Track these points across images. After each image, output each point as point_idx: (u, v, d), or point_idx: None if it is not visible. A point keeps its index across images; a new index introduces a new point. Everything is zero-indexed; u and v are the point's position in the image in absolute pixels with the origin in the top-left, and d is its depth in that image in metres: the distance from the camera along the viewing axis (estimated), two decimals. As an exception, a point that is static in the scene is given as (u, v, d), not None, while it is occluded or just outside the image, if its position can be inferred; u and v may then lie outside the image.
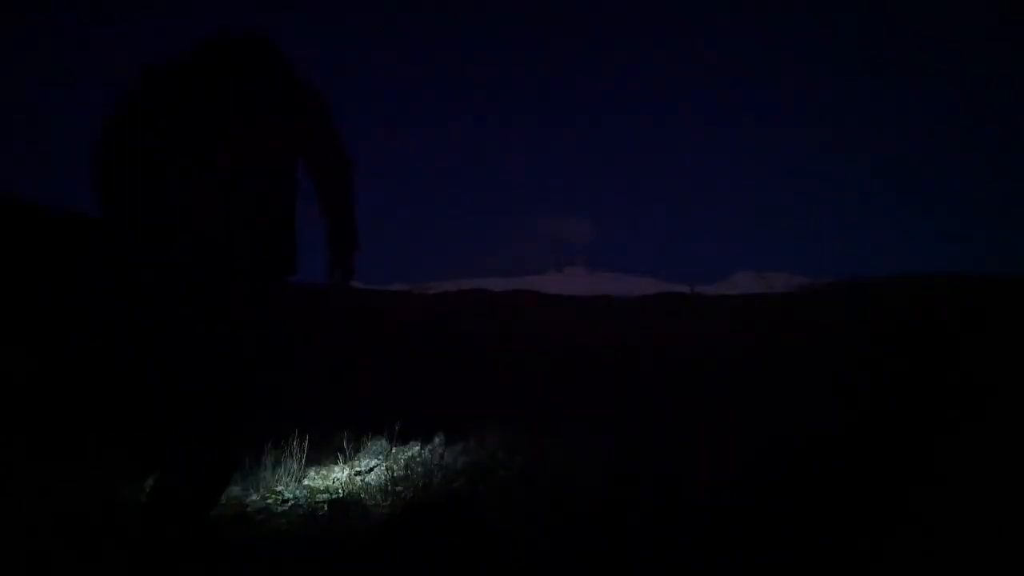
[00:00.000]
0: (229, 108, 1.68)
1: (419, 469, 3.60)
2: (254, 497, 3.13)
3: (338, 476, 3.61)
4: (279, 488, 3.25)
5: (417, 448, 3.99)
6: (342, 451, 3.89)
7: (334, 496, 3.23)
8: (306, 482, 3.39)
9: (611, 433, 4.50)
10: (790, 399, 5.47)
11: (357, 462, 3.80)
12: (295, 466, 3.42)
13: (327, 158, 1.82)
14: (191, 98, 1.65)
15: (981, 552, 2.14)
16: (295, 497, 3.15)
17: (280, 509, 3.01)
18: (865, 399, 5.11)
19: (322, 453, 3.88)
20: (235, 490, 3.31)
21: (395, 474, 3.54)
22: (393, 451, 3.95)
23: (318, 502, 3.11)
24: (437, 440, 4.12)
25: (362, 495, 3.25)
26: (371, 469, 3.70)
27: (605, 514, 2.76)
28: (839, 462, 3.48)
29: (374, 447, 3.97)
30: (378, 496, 3.20)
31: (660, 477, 3.38)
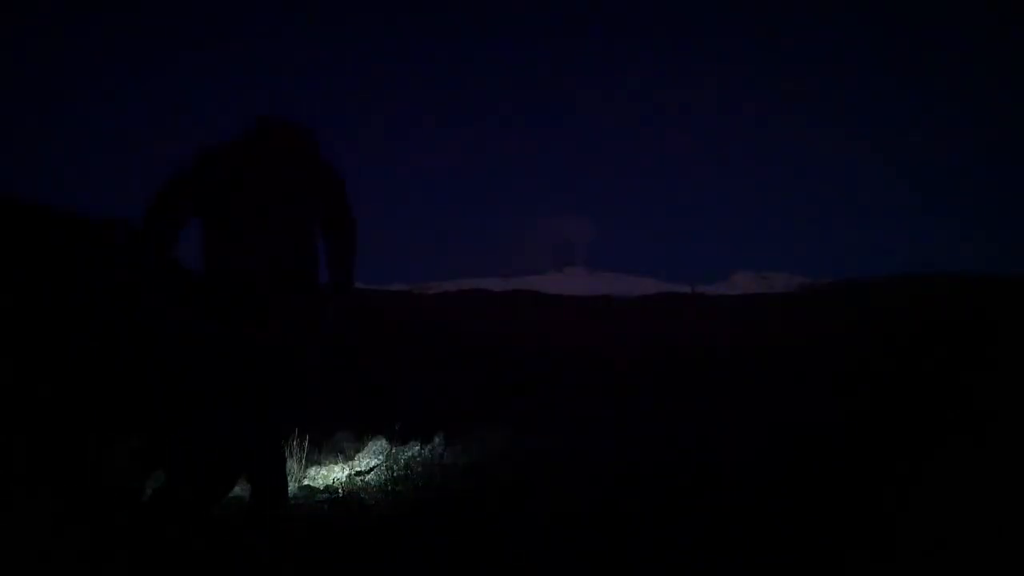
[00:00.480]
0: (284, 184, 2.22)
1: (419, 469, 3.59)
2: (254, 497, 3.13)
3: (338, 476, 3.61)
4: (279, 488, 3.25)
5: (417, 448, 3.98)
6: (342, 451, 3.89)
7: (334, 496, 3.23)
8: (306, 482, 3.39)
9: (611, 432, 4.50)
10: (790, 399, 5.47)
11: (357, 462, 3.80)
12: (295, 466, 3.42)
13: (340, 222, 2.40)
14: (251, 174, 2.20)
15: (980, 551, 2.14)
16: (295, 497, 3.15)
17: (280, 509, 3.01)
18: (865, 399, 5.10)
19: (322, 453, 3.87)
20: (235, 490, 3.31)
21: (395, 474, 3.54)
22: (393, 451, 3.94)
23: (318, 502, 3.11)
24: (437, 440, 4.11)
25: (362, 495, 3.25)
26: (371, 469, 3.69)
27: (605, 514, 2.76)
28: (839, 462, 3.48)
29: (374, 447, 3.97)
30: (378, 496, 3.20)
31: (660, 477, 3.38)
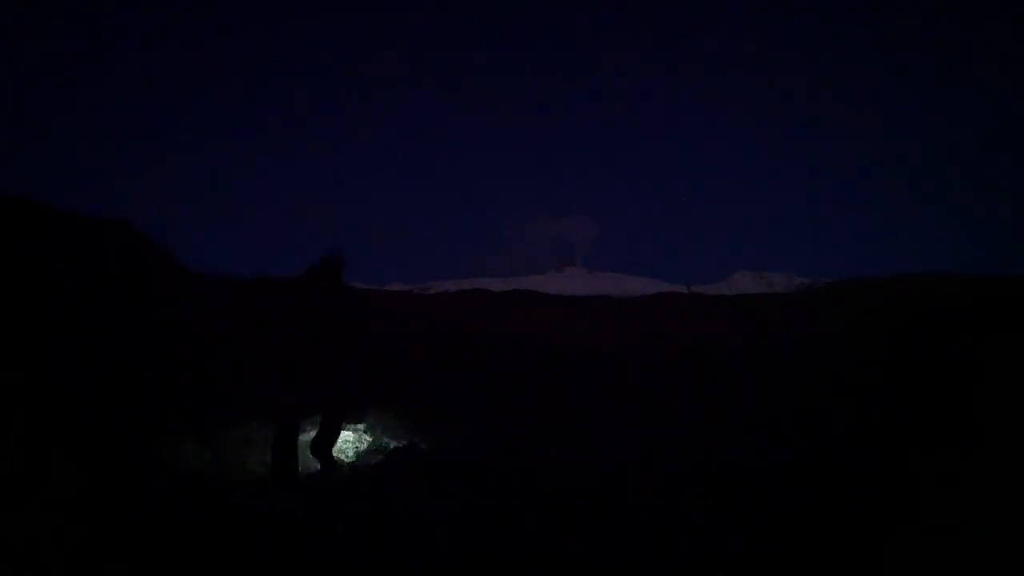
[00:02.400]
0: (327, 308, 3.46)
1: (419, 465, 3.60)
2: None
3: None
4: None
5: (417, 446, 3.98)
6: (341, 450, 3.89)
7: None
8: (306, 480, 3.38)
9: (613, 432, 4.50)
10: (790, 399, 5.47)
11: (357, 460, 3.80)
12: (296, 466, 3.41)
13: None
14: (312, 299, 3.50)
15: (981, 548, 2.14)
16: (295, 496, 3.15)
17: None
18: (865, 399, 5.10)
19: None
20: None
21: (395, 471, 3.54)
22: (393, 448, 3.95)
23: (319, 499, 3.10)
24: (437, 439, 4.11)
25: (361, 492, 3.24)
26: (371, 466, 3.69)
27: (605, 513, 2.76)
28: (840, 460, 3.47)
29: (374, 446, 3.97)
30: (378, 492, 3.19)
31: (661, 477, 3.38)
